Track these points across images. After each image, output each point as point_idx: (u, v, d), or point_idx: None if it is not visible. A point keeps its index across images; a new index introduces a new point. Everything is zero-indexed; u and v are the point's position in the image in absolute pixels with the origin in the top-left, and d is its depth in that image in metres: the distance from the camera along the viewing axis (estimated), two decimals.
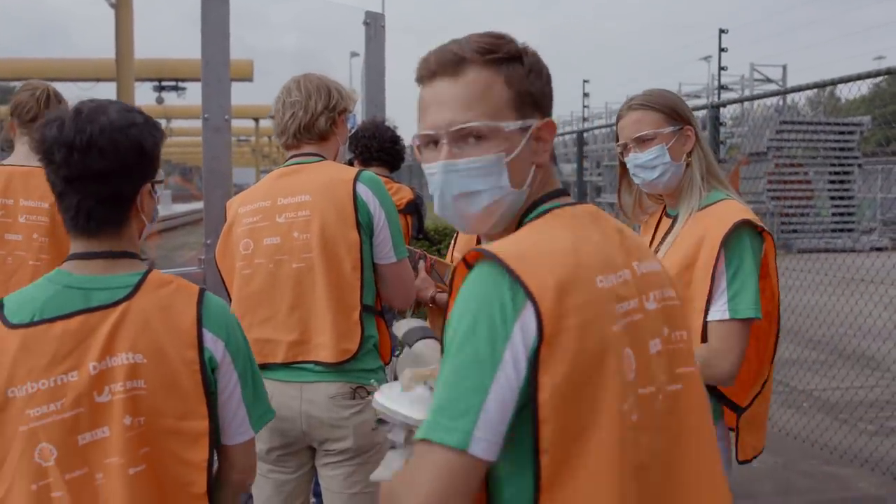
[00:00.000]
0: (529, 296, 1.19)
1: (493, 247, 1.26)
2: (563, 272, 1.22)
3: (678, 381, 1.36)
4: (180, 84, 37.14)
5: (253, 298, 2.57)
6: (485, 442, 1.16)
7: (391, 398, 1.48)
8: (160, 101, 35.44)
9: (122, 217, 1.70)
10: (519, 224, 1.41)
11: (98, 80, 23.46)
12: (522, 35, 1.42)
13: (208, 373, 1.68)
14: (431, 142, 1.41)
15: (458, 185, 1.38)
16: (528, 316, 1.19)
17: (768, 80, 26.61)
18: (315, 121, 2.65)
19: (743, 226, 2.16)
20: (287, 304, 2.52)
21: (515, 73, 1.38)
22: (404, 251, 2.68)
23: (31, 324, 1.59)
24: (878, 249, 14.68)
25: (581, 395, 1.19)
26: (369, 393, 2.54)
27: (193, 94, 38.54)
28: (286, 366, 2.52)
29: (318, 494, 2.73)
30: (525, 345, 1.18)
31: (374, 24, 4.94)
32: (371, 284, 2.58)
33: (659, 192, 2.41)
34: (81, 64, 26.79)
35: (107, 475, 1.59)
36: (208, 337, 1.69)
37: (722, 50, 6.88)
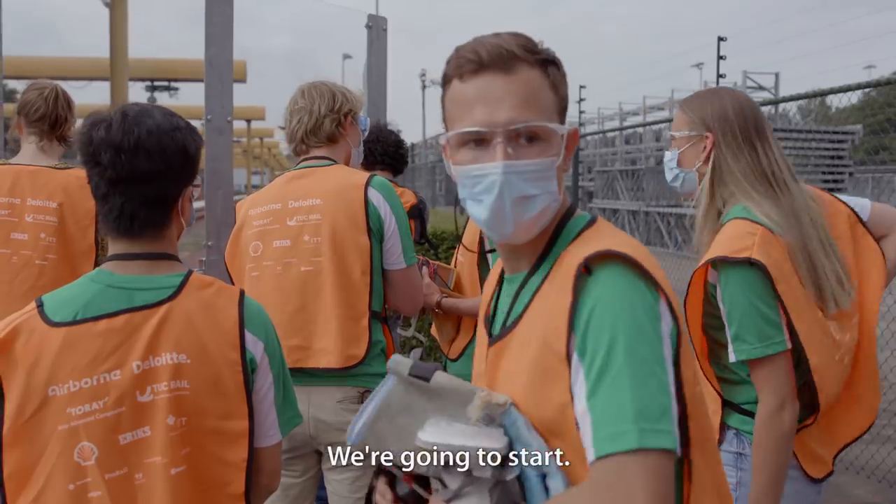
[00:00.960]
0: (661, 292, 1.22)
1: (614, 249, 1.23)
2: (658, 271, 1.26)
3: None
4: (173, 84, 37.06)
5: (259, 300, 2.55)
6: (677, 439, 1.13)
7: (461, 433, 1.26)
8: (152, 101, 35.35)
9: (165, 219, 1.71)
10: (555, 232, 1.37)
11: (91, 79, 23.39)
12: None
13: (248, 373, 1.70)
14: (473, 140, 1.32)
15: (519, 188, 1.29)
16: (664, 311, 1.21)
17: (761, 88, 26.67)
18: (320, 124, 2.67)
19: (718, 263, 2.05)
20: (292, 308, 2.52)
21: (556, 76, 1.34)
22: (414, 257, 2.68)
23: (74, 322, 1.58)
24: None
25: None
26: None
27: (185, 94, 38.40)
28: (292, 370, 2.51)
29: (321, 499, 2.72)
30: (669, 339, 1.20)
31: (377, 28, 4.95)
32: (380, 290, 2.58)
33: (687, 196, 2.33)
34: (74, 63, 26.69)
35: (147, 475, 1.60)
36: (249, 338, 1.72)
37: (720, 58, 6.90)
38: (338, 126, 2.69)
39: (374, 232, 2.53)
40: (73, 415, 1.55)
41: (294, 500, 2.62)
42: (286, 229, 2.56)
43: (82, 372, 1.56)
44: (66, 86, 3.33)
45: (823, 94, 5.74)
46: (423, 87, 44.77)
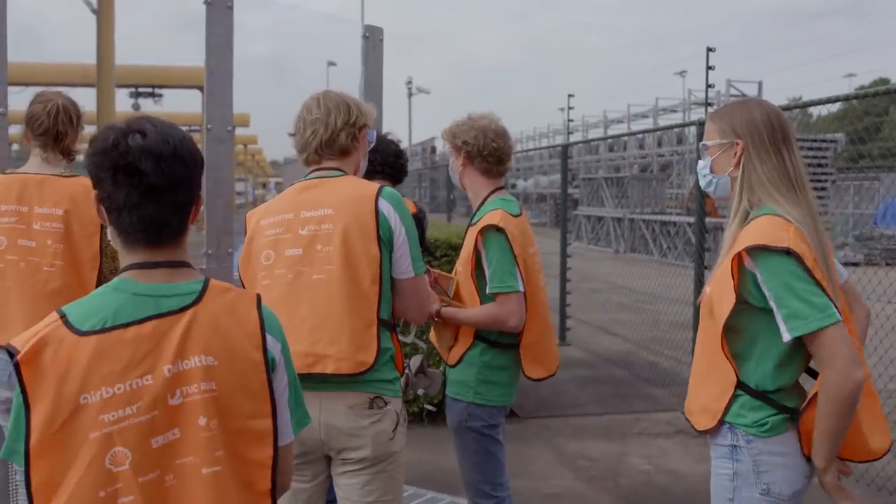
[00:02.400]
0: None
1: None
2: None
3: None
4: (157, 91, 36.94)
5: (271, 307, 2.59)
6: None
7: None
8: (136, 107, 35.24)
9: (185, 226, 1.74)
10: None
11: (73, 85, 23.33)
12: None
13: (270, 374, 1.75)
14: None
15: None
16: None
17: (744, 96, 26.94)
18: (336, 137, 2.69)
19: (756, 251, 2.22)
20: (303, 314, 2.56)
21: None
22: (422, 267, 2.73)
23: (104, 330, 1.60)
24: (853, 265, 14.86)
25: None
26: (386, 403, 2.61)
27: (170, 101, 38.26)
28: (303, 376, 2.55)
29: (331, 502, 2.76)
30: None
31: (373, 38, 5.00)
32: (388, 299, 2.63)
33: (720, 201, 2.52)
34: (57, 69, 26.57)
35: (178, 476, 1.63)
36: (269, 339, 1.77)
37: (709, 68, 6.99)
38: (352, 140, 2.73)
39: (385, 241, 2.58)
40: (106, 421, 1.57)
41: None
42: (298, 238, 2.60)
43: (115, 378, 1.58)
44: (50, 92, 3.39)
45: (809, 104, 5.86)
46: (410, 94, 44.84)
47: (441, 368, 3.51)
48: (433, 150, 45.30)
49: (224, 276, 4.16)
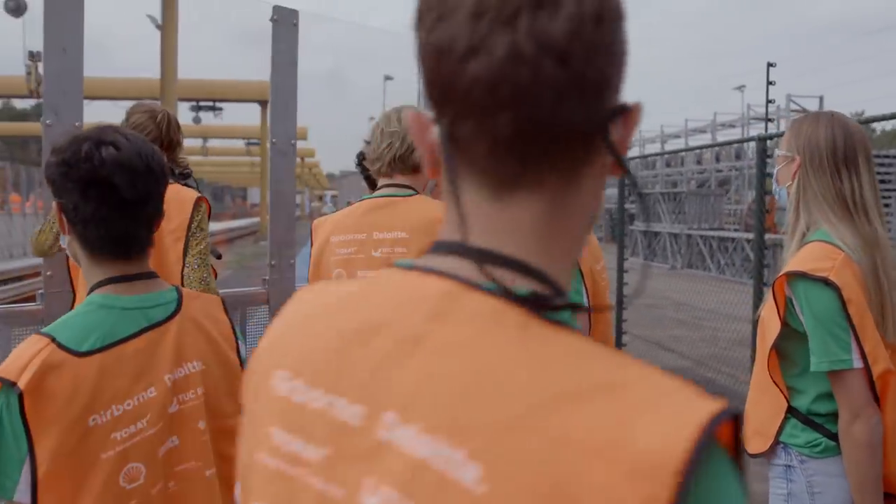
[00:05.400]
0: None
1: None
2: None
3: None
4: (217, 104, 37.67)
5: None
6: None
7: None
8: (197, 120, 36.01)
9: (151, 239, 1.72)
10: None
11: (138, 98, 23.96)
12: None
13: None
14: None
15: None
16: None
17: (804, 111, 26.54)
18: (411, 153, 2.70)
19: (794, 277, 2.22)
20: None
21: None
22: None
23: (104, 348, 1.57)
24: None
25: None
26: None
27: (229, 114, 38.98)
28: None
29: None
30: None
31: None
32: None
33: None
34: (122, 83, 27.26)
35: (180, 482, 1.65)
36: (239, 341, 1.82)
37: (770, 83, 6.92)
38: None
39: None
40: (119, 439, 1.54)
41: None
42: (371, 260, 2.61)
43: (124, 395, 1.56)
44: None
45: (869, 120, 5.77)
46: None
47: None
48: None
49: (286, 287, 4.24)
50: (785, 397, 2.29)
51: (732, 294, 9.44)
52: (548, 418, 0.59)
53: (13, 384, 1.47)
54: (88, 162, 1.57)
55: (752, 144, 7.63)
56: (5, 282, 17.70)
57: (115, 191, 1.58)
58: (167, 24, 18.90)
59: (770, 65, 6.90)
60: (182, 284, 3.06)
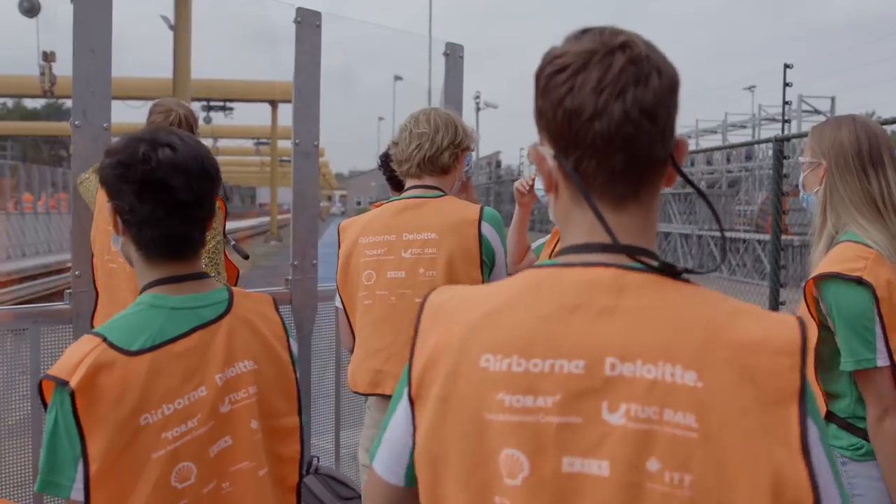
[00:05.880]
0: None
1: None
2: None
3: None
4: (228, 104, 37.77)
5: (370, 328, 2.65)
6: (382, 464, 1.27)
7: None
8: (208, 120, 36.09)
9: (204, 240, 1.73)
10: None
11: (151, 98, 24.01)
12: None
13: (295, 372, 1.81)
14: None
15: None
16: None
17: (816, 112, 26.45)
18: (440, 154, 2.73)
19: (824, 279, 2.22)
20: (405, 337, 2.57)
21: None
22: (509, 274, 2.80)
23: (154, 347, 1.57)
24: None
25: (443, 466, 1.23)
26: None
27: (239, 114, 39.08)
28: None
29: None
30: None
31: (454, 55, 5.08)
32: None
33: None
34: (135, 82, 27.36)
35: (234, 482, 1.65)
36: (290, 339, 1.83)
37: (787, 84, 6.90)
38: (454, 160, 2.77)
39: (486, 264, 2.63)
40: (170, 438, 1.54)
41: None
42: (401, 261, 2.64)
43: (174, 394, 1.56)
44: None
45: (883, 123, 5.76)
46: (478, 108, 44.91)
47: None
48: (498, 164, 45.33)
49: (309, 286, 4.27)
50: (824, 402, 2.29)
51: (745, 295, 9.45)
52: (721, 333, 0.99)
53: (66, 383, 1.47)
54: (146, 163, 1.58)
55: (767, 146, 7.63)
56: (21, 280, 17.78)
57: (171, 192, 1.60)
58: (180, 25, 18.97)
59: (787, 66, 6.89)
60: None
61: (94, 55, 3.58)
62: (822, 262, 2.26)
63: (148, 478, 1.51)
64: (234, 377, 1.67)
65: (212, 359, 1.64)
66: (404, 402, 1.16)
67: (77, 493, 1.48)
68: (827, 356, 2.28)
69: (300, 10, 4.28)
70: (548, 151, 1.11)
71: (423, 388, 1.12)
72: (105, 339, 1.54)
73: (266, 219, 52.92)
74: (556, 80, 1.07)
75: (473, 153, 2.94)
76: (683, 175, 1.12)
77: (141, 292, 1.68)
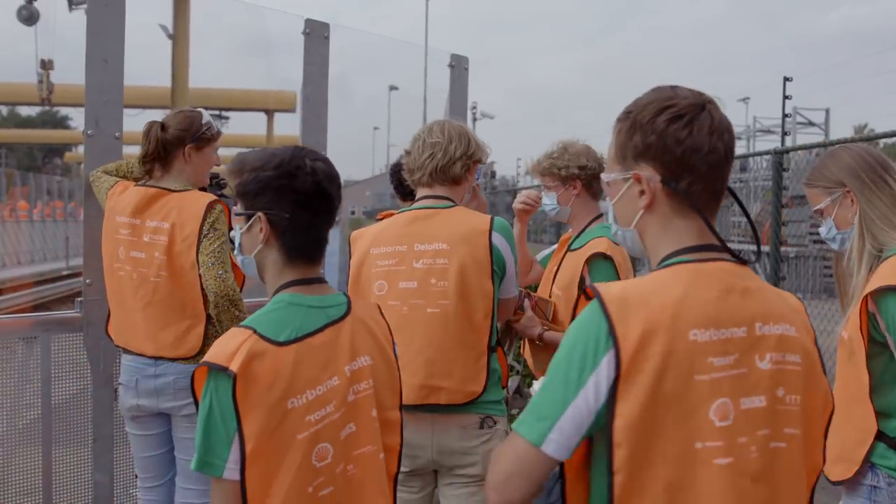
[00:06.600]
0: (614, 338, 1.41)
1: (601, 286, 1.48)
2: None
3: (782, 439, 1.48)
4: (223, 113, 37.76)
5: None
6: (555, 444, 1.41)
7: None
8: None
9: (326, 246, 1.91)
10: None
11: (150, 107, 23.95)
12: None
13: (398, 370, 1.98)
14: None
15: None
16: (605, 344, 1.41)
17: (811, 124, 26.60)
18: (452, 165, 2.75)
19: (885, 293, 2.21)
20: (416, 347, 2.62)
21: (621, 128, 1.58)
22: (518, 287, 2.85)
23: (298, 339, 1.74)
24: None
25: (652, 430, 1.39)
26: (496, 423, 2.71)
27: (235, 123, 39.01)
28: (418, 406, 2.62)
29: None
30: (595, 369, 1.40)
31: (459, 67, 5.13)
32: (496, 326, 2.71)
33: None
34: (134, 91, 27.29)
35: (357, 465, 1.83)
36: (395, 343, 2.02)
37: (786, 97, 6.97)
38: (466, 171, 2.79)
39: (498, 273, 2.66)
40: (312, 421, 1.72)
41: None
42: (413, 271, 2.66)
43: (315, 382, 1.74)
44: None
45: (876, 137, 5.84)
46: (474, 119, 44.92)
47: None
48: (493, 174, 45.35)
49: None
50: (875, 422, 2.26)
51: None
52: (791, 300, 1.57)
53: (226, 368, 1.64)
54: (313, 175, 1.78)
55: (766, 158, 7.68)
56: (15, 289, 17.75)
57: (329, 201, 1.82)
58: (178, 34, 18.98)
59: (787, 79, 6.96)
60: (201, 286, 3.12)
61: (107, 65, 3.61)
62: (876, 276, 2.24)
63: (293, 457, 1.69)
64: (357, 370, 1.85)
65: (341, 353, 1.82)
66: (595, 385, 1.38)
67: (230, 472, 1.64)
68: (878, 372, 2.26)
69: (309, 22, 4.32)
70: (653, 176, 1.50)
71: (635, 365, 1.37)
72: (255, 331, 1.71)
73: None
74: (677, 124, 1.47)
75: (482, 167, 2.96)
76: (733, 194, 1.66)
77: (275, 293, 1.84)
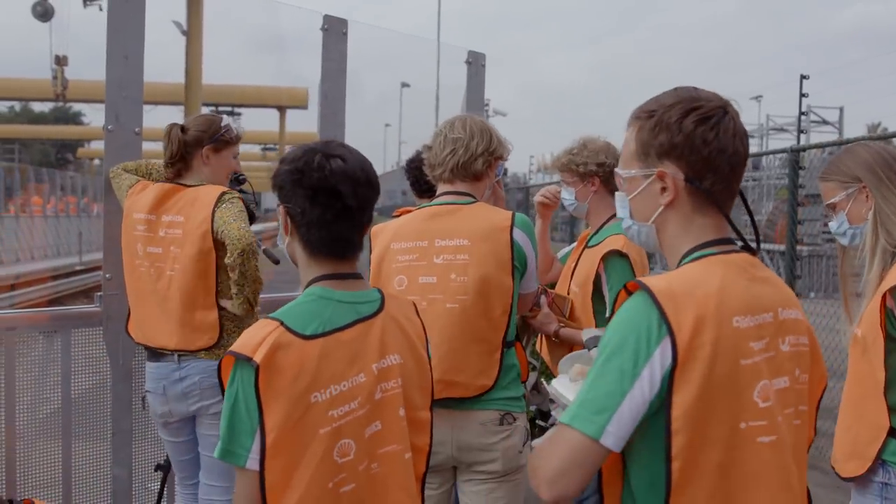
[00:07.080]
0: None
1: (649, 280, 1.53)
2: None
3: (799, 417, 1.61)
4: (236, 110, 37.87)
5: None
6: (613, 436, 1.43)
7: (563, 386, 2.03)
8: None
9: (362, 244, 1.90)
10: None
11: (162, 103, 24.03)
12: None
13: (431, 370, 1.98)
14: None
15: None
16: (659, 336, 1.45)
17: (825, 122, 26.45)
18: (473, 161, 2.74)
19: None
20: (434, 342, 2.55)
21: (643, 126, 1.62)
22: (537, 281, 2.86)
23: (325, 333, 1.74)
24: None
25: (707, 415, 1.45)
26: (515, 419, 2.69)
27: (248, 120, 39.10)
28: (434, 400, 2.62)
29: None
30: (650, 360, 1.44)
31: (476, 64, 5.12)
32: (514, 321, 2.72)
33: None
34: (148, 87, 27.33)
35: (382, 463, 1.81)
36: (428, 342, 2.01)
37: (803, 95, 6.93)
38: (487, 167, 2.79)
39: (518, 269, 2.66)
40: (335, 416, 1.71)
41: None
42: (433, 266, 2.66)
43: (340, 377, 1.73)
44: None
45: (892, 136, 5.79)
46: (487, 116, 44.75)
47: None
48: (505, 171, 45.24)
49: None
50: (888, 419, 2.26)
51: None
52: (788, 289, 1.66)
53: (250, 359, 1.65)
54: (320, 171, 1.78)
55: (782, 156, 7.64)
56: (29, 283, 17.84)
57: (339, 198, 1.78)
58: (193, 31, 19.05)
59: (803, 77, 6.92)
60: (215, 272, 3.13)
61: (127, 61, 3.63)
62: (894, 272, 2.24)
63: (314, 451, 1.69)
64: (385, 368, 1.84)
65: (369, 350, 1.81)
66: (650, 375, 1.42)
67: (252, 462, 1.65)
68: (894, 369, 2.25)
69: (327, 18, 4.32)
70: (677, 174, 1.57)
71: (690, 353, 1.43)
72: (282, 323, 1.71)
73: (271, 224, 52.93)
74: (705, 125, 1.54)
75: (504, 164, 2.94)
76: (740, 193, 1.66)
77: (307, 286, 1.85)
